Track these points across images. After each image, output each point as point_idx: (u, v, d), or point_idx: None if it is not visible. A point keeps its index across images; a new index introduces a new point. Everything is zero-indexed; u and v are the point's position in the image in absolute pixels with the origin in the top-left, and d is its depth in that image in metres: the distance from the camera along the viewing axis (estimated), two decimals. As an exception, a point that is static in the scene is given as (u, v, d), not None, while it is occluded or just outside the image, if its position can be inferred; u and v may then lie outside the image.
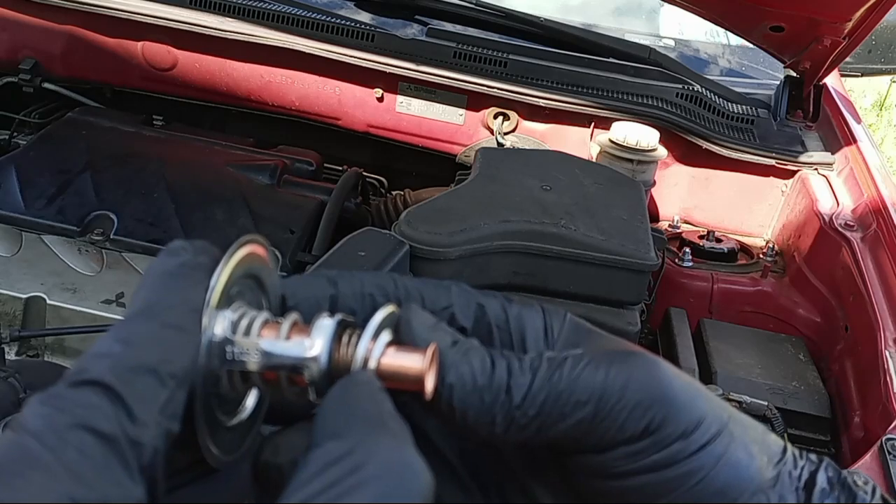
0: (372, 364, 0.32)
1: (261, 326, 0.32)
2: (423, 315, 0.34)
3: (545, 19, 1.79)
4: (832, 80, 1.88)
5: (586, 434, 0.32)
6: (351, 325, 0.33)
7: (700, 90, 1.66)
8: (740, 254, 1.62)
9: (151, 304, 0.31)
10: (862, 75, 2.18)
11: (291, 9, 1.68)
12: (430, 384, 0.32)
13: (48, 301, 1.19)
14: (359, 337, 0.32)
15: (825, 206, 1.52)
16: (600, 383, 0.32)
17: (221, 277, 0.32)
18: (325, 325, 0.32)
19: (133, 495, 0.26)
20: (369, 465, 0.27)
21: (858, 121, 1.82)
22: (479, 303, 0.36)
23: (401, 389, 0.32)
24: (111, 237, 1.33)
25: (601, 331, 0.36)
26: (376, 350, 0.32)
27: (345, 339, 0.32)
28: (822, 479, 0.35)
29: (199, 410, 0.31)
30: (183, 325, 0.30)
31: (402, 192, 1.65)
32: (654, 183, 1.60)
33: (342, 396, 0.31)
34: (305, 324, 0.33)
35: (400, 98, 1.73)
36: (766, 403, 1.14)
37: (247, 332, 0.32)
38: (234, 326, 0.32)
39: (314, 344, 0.32)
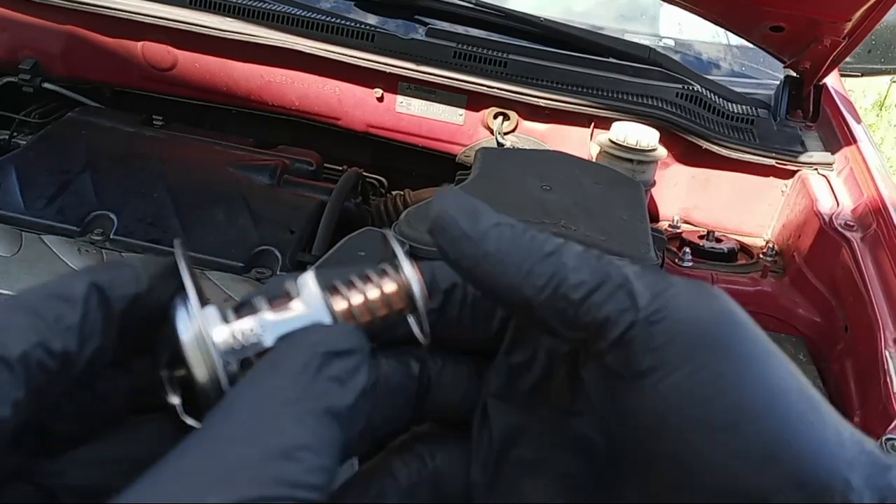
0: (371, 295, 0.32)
1: (238, 310, 0.31)
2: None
3: (545, 19, 1.79)
4: (832, 80, 1.88)
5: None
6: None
7: (700, 90, 1.66)
8: (740, 254, 1.62)
9: (21, 292, 0.30)
10: (862, 75, 2.18)
11: (291, 9, 1.68)
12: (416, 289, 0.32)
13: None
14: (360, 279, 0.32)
15: (825, 206, 1.52)
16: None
17: (187, 274, 0.31)
18: (307, 283, 0.32)
19: None
20: (245, 450, 0.25)
21: (858, 121, 1.82)
22: None
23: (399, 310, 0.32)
24: (111, 237, 1.33)
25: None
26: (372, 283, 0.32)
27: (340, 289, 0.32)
28: None
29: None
30: (36, 309, 0.29)
31: (402, 192, 1.65)
32: (654, 183, 1.60)
33: (261, 364, 0.29)
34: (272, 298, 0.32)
35: (400, 98, 1.73)
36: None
37: (243, 334, 0.31)
38: (233, 328, 0.31)
39: (313, 305, 0.31)
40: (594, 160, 1.59)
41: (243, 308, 0.32)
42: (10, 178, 1.41)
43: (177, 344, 0.30)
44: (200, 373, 0.29)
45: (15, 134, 1.74)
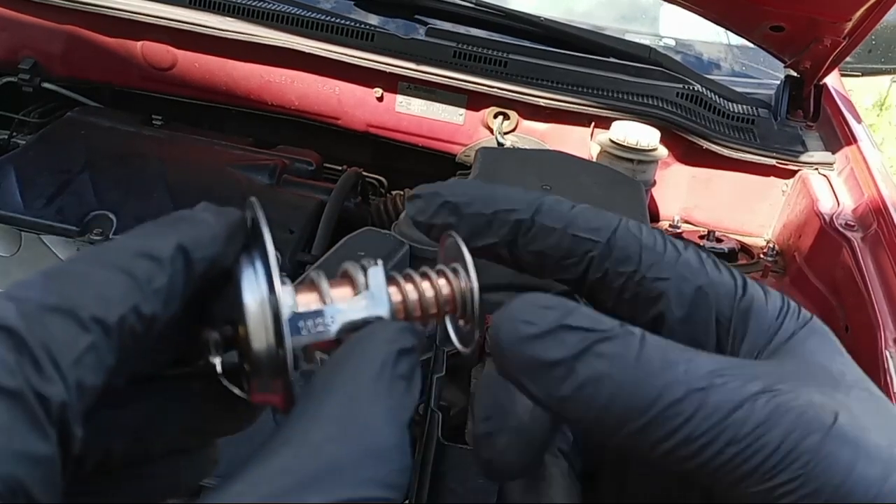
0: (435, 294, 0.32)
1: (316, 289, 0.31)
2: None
3: (545, 19, 1.79)
4: (832, 80, 1.88)
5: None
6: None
7: (700, 90, 1.66)
8: (741, 254, 1.62)
9: (106, 246, 0.28)
10: (862, 75, 2.17)
11: (291, 8, 1.68)
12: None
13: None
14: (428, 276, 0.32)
15: (826, 205, 1.52)
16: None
17: (269, 237, 0.30)
18: (377, 273, 0.31)
19: (40, 453, 0.24)
20: (342, 450, 0.25)
21: (859, 121, 1.82)
22: None
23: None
24: (110, 237, 1.33)
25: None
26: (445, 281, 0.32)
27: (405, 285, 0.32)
28: None
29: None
30: (129, 269, 0.27)
31: (402, 192, 1.65)
32: (655, 183, 1.60)
33: (350, 351, 0.28)
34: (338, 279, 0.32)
35: (400, 98, 1.73)
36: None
37: (307, 310, 0.30)
38: (296, 301, 0.30)
39: (378, 301, 0.31)
40: (594, 160, 1.58)
41: (304, 285, 0.31)
42: (10, 178, 1.41)
43: (239, 307, 0.29)
44: (259, 340, 0.28)
45: (14, 134, 1.74)
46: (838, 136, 1.71)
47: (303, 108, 1.77)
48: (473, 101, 1.70)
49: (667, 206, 1.73)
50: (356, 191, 1.61)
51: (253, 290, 0.29)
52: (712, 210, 1.72)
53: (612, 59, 1.71)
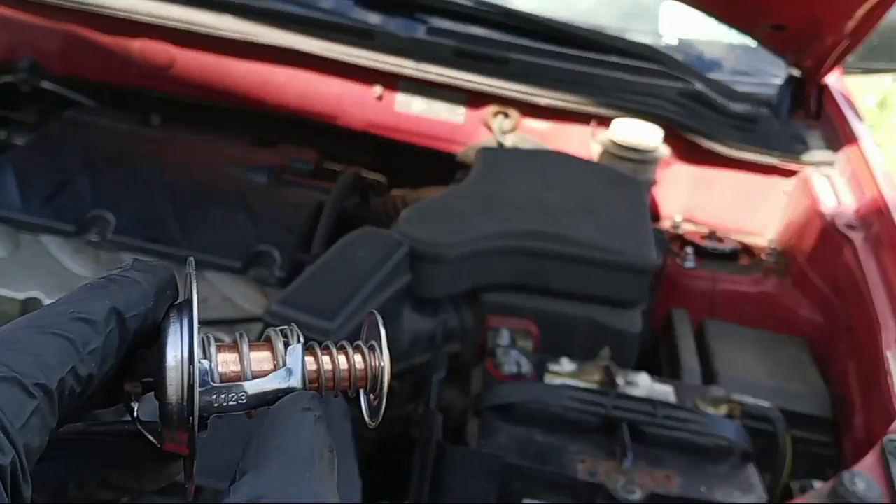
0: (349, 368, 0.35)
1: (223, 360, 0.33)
2: None
3: (546, 17, 1.78)
4: (834, 79, 1.88)
5: None
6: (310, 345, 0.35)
7: (702, 89, 1.66)
8: (742, 254, 1.62)
9: (44, 311, 0.30)
10: (864, 74, 2.17)
11: (290, 7, 1.67)
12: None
13: (45, 302, 1.18)
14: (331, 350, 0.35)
15: (827, 206, 1.51)
16: None
17: (194, 326, 0.32)
18: (296, 351, 0.34)
19: None
20: None
21: (861, 120, 1.81)
22: None
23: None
24: (108, 237, 1.32)
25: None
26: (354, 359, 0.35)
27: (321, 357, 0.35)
28: None
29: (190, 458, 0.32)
30: (66, 333, 0.29)
31: (401, 192, 1.64)
32: (656, 182, 1.59)
33: (274, 425, 0.31)
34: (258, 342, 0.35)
35: (399, 97, 1.73)
36: (768, 405, 1.14)
37: (224, 372, 0.33)
38: (211, 371, 0.33)
39: (293, 374, 0.34)
40: (595, 159, 1.58)
41: (226, 345, 0.34)
42: (8, 178, 1.40)
43: (160, 366, 0.31)
44: (172, 398, 0.31)
45: (12, 133, 1.73)
46: (840, 135, 1.70)
47: (302, 107, 1.77)
48: (474, 99, 1.70)
49: (668, 205, 1.73)
50: (355, 190, 1.60)
51: (174, 352, 0.32)
52: (714, 209, 1.71)
53: (613, 58, 1.70)
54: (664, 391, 1.13)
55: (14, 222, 1.33)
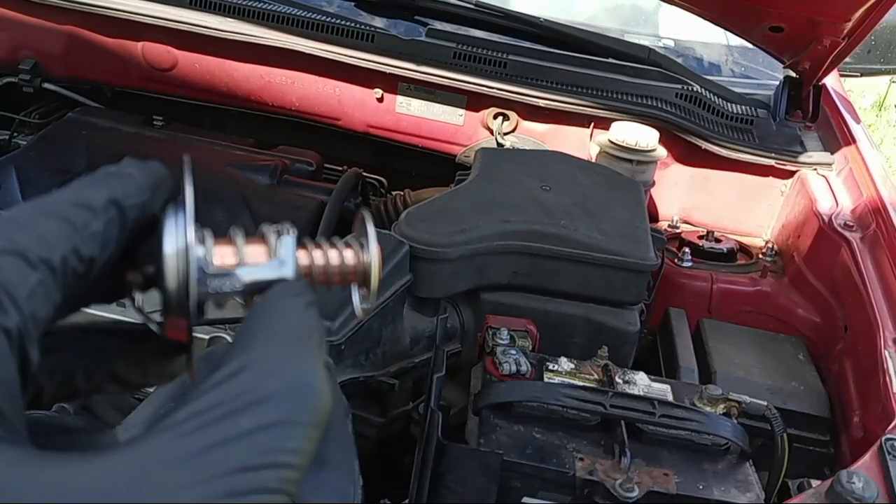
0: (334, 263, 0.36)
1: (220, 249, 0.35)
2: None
3: (545, 19, 1.79)
4: (831, 81, 1.88)
5: None
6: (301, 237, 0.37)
7: (699, 90, 1.67)
8: (740, 254, 1.62)
9: (45, 198, 0.32)
10: (861, 75, 2.18)
11: (291, 9, 1.68)
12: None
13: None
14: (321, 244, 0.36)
15: (824, 206, 1.52)
16: None
17: (189, 211, 0.34)
18: (287, 241, 0.35)
19: (2, 374, 0.27)
20: (269, 383, 0.28)
21: (857, 121, 1.82)
22: None
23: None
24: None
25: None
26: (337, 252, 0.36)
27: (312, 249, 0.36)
28: None
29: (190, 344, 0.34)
30: (67, 217, 0.31)
31: (402, 192, 1.65)
32: (654, 183, 1.60)
33: (264, 308, 0.32)
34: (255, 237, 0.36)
35: (400, 98, 1.73)
36: (765, 403, 1.14)
37: (220, 262, 0.34)
38: (207, 260, 0.34)
39: (285, 264, 0.35)
40: (594, 160, 1.59)
41: (223, 238, 0.36)
42: (11, 179, 1.41)
43: (158, 254, 0.33)
44: (171, 283, 0.33)
45: (15, 134, 1.74)
46: (837, 136, 1.71)
47: (303, 108, 1.78)
48: (473, 101, 1.71)
49: (666, 206, 1.74)
50: (356, 191, 1.61)
51: (171, 240, 0.33)
52: (711, 210, 1.72)
53: (611, 60, 1.71)
54: (662, 390, 1.13)
55: (17, 223, 1.34)
